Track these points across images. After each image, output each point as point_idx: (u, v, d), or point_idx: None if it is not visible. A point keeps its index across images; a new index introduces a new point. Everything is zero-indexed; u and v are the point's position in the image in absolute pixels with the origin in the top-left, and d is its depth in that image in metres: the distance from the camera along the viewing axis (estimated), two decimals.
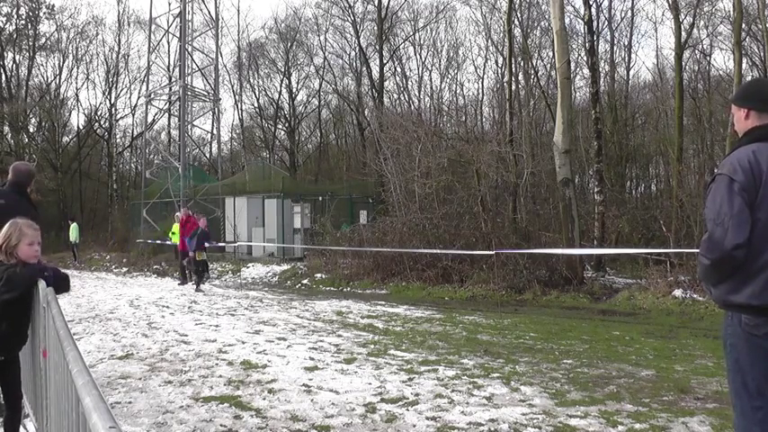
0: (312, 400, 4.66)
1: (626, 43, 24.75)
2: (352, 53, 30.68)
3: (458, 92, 29.82)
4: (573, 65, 20.75)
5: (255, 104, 33.78)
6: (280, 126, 33.79)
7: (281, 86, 32.76)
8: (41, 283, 3.29)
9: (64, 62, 33.18)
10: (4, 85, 31.87)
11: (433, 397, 4.66)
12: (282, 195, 19.30)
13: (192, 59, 25.40)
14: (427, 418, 4.17)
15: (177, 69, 27.29)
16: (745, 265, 2.61)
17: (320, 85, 32.31)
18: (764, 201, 2.57)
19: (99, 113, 34.17)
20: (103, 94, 34.04)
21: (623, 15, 24.52)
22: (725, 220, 2.61)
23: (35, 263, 3.42)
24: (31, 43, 32.26)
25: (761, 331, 2.62)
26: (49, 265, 3.59)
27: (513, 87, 19.33)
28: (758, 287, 2.58)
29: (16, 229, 3.38)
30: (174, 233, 16.41)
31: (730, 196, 2.60)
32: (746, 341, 2.67)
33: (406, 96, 30.18)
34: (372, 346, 6.62)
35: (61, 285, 3.45)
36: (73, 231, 22.41)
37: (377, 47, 29.08)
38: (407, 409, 4.37)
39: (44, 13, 32.03)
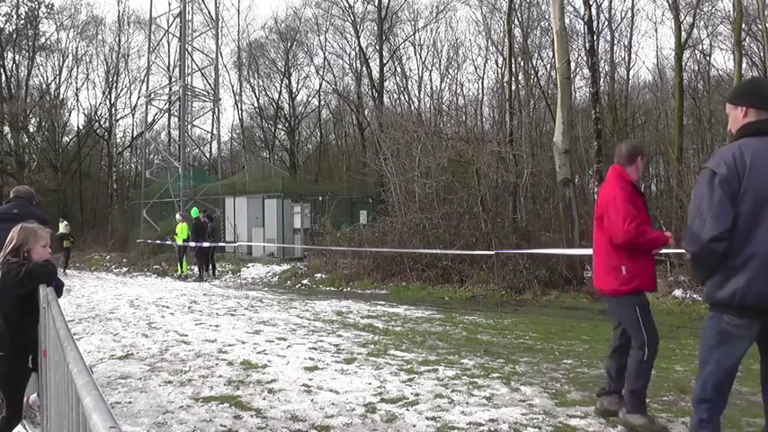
0: (312, 400, 4.66)
1: (626, 43, 24.77)
2: (352, 53, 30.71)
3: (458, 92, 29.80)
4: (573, 65, 20.75)
5: (255, 104, 33.81)
6: (280, 126, 33.80)
7: (281, 86, 32.78)
8: (42, 285, 3.33)
9: (64, 62, 33.22)
10: (4, 85, 31.87)
11: (433, 397, 4.66)
12: (282, 195, 19.30)
13: (192, 59, 25.43)
14: (427, 418, 4.17)
15: (177, 69, 27.30)
16: (730, 260, 2.59)
17: (320, 85, 32.35)
18: (747, 194, 2.55)
19: (99, 113, 34.22)
20: (103, 94, 34.07)
21: (623, 15, 24.54)
22: (703, 211, 2.61)
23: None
24: (30, 43, 32.26)
25: (742, 332, 2.63)
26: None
27: (513, 87, 19.34)
28: (742, 282, 2.56)
29: (31, 231, 3.47)
30: (176, 234, 16.46)
31: (710, 189, 2.60)
32: (721, 338, 2.70)
33: (406, 96, 30.19)
34: (372, 346, 6.62)
35: (57, 291, 3.49)
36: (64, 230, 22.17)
37: (377, 47, 29.07)
38: (407, 409, 4.37)
39: (43, 13, 32.06)
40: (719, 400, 2.74)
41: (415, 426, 4.03)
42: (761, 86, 2.89)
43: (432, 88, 30.62)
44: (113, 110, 33.95)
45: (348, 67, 31.28)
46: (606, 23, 23.29)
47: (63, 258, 18.98)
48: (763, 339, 2.68)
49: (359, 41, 29.57)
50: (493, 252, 10.89)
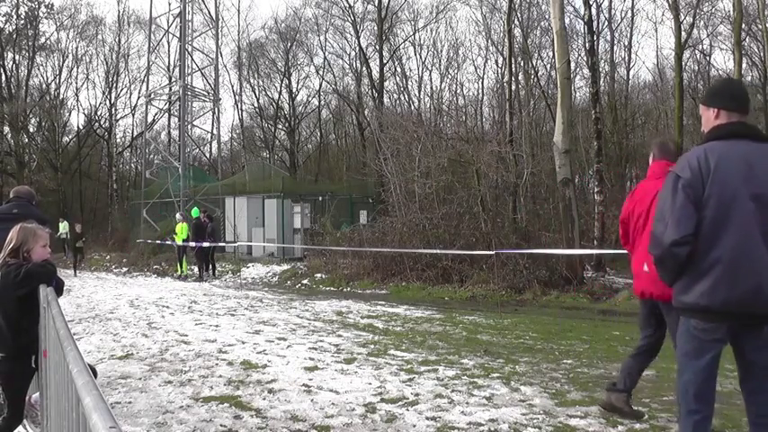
0: (312, 400, 4.66)
1: (626, 43, 24.79)
2: (352, 53, 30.73)
3: (458, 92, 29.82)
4: (573, 65, 20.76)
5: (255, 104, 33.83)
6: (280, 126, 33.81)
7: (281, 86, 32.79)
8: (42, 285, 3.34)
9: (64, 62, 33.23)
10: (3, 85, 31.86)
11: (433, 397, 4.66)
12: (282, 195, 19.30)
13: (192, 59, 25.42)
14: (427, 418, 4.17)
15: (177, 69, 27.30)
16: (695, 264, 2.56)
17: (320, 85, 32.37)
18: (711, 198, 2.52)
19: (99, 113, 34.23)
20: (103, 94, 34.09)
21: (623, 15, 24.57)
22: (666, 216, 2.58)
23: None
24: (30, 43, 32.26)
25: (709, 336, 2.60)
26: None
27: (513, 87, 19.34)
28: (707, 286, 2.53)
29: (30, 232, 3.48)
30: (176, 233, 16.46)
31: (674, 193, 2.58)
32: (692, 345, 2.67)
33: (406, 96, 30.21)
34: (372, 346, 6.62)
35: (57, 291, 3.50)
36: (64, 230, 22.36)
37: (377, 47, 29.08)
38: (407, 409, 4.37)
39: (43, 13, 32.05)
40: (705, 409, 2.68)
41: (415, 426, 4.03)
42: (732, 88, 2.86)
43: (432, 88, 30.67)
44: (113, 110, 34.00)
45: (348, 67, 31.33)
46: (606, 23, 23.32)
47: (77, 259, 18.63)
48: (735, 342, 2.66)
49: (359, 41, 29.60)
50: (493, 252, 10.89)
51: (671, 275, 2.67)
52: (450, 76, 30.09)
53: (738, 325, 2.59)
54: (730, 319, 2.57)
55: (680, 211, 2.54)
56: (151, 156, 31.96)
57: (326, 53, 31.57)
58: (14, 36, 31.66)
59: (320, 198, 20.77)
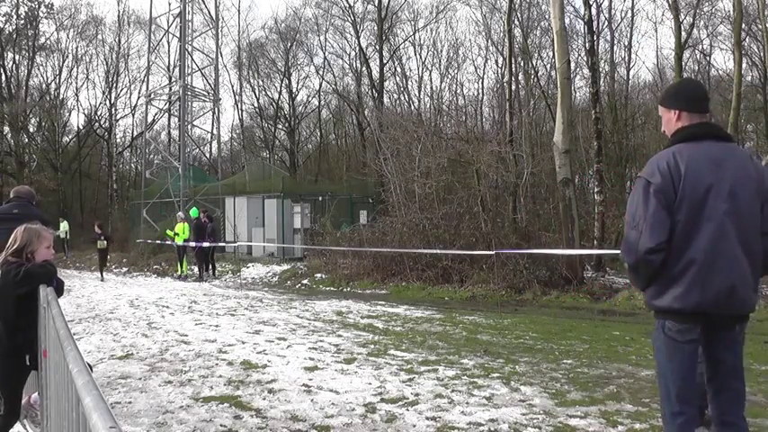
0: (312, 400, 4.66)
1: (626, 43, 24.77)
2: (352, 53, 30.74)
3: (458, 92, 29.80)
4: (573, 65, 20.75)
5: (255, 104, 33.83)
6: (280, 126, 33.82)
7: (281, 86, 32.79)
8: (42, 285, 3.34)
9: (63, 62, 33.26)
10: (3, 85, 31.89)
11: (433, 397, 4.66)
12: (282, 195, 19.30)
13: (192, 59, 25.41)
14: (427, 418, 4.17)
15: (177, 69, 27.30)
16: (668, 268, 2.55)
17: (320, 85, 32.39)
18: (683, 202, 2.51)
19: (99, 113, 34.25)
20: (103, 94, 34.10)
21: (623, 15, 24.54)
22: (639, 222, 2.56)
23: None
24: (30, 43, 32.28)
25: (685, 337, 2.59)
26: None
27: (513, 87, 19.33)
28: (681, 290, 2.53)
29: (35, 233, 3.50)
30: (177, 233, 16.43)
31: (646, 199, 2.55)
32: (667, 347, 2.65)
33: (406, 96, 30.20)
34: (372, 346, 6.62)
35: (58, 291, 3.51)
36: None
37: (377, 47, 29.09)
38: (407, 409, 4.37)
39: (43, 13, 32.07)
40: (689, 410, 2.64)
41: (415, 426, 4.03)
42: (691, 88, 2.85)
43: (432, 88, 30.66)
44: (113, 110, 34.01)
45: (348, 67, 31.34)
46: (606, 23, 23.28)
47: (99, 263, 17.49)
48: (706, 341, 2.66)
49: (359, 41, 29.61)
50: (493, 252, 10.88)
51: (644, 281, 2.67)
52: (450, 76, 30.11)
53: (712, 325, 2.59)
54: (704, 320, 2.57)
55: (653, 217, 2.53)
56: (151, 156, 31.95)
57: (326, 53, 31.66)
58: (14, 36, 31.68)
59: (320, 198, 20.77)
